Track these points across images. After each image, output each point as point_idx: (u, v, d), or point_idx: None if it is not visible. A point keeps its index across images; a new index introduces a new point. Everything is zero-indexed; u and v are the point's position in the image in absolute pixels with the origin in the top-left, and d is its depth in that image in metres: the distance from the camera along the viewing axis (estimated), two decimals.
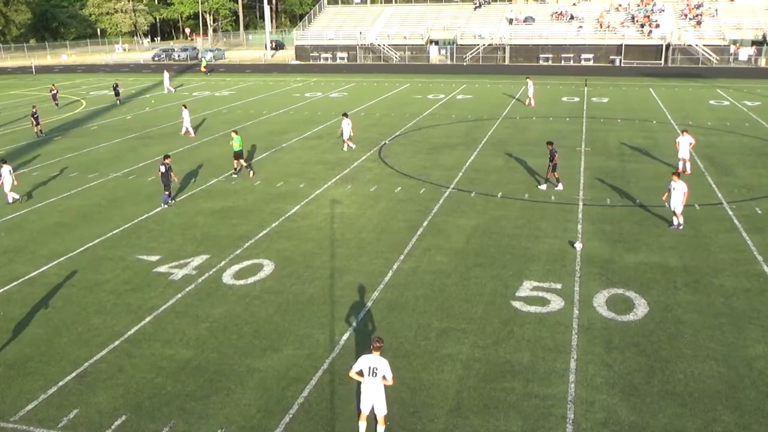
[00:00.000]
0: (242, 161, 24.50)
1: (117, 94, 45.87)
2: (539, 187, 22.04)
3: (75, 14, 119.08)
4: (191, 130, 32.65)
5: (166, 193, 20.67)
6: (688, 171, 23.41)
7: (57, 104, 43.50)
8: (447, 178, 23.59)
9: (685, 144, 23.38)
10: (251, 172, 24.40)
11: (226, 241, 17.68)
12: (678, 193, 17.34)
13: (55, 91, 43.69)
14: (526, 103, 40.92)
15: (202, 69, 67.68)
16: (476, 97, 45.10)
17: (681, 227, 17.81)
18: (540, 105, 40.92)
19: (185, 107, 33.34)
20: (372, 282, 14.91)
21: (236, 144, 24.03)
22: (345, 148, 28.42)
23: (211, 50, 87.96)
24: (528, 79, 42.47)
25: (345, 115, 29.01)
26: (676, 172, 18.17)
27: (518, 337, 12.39)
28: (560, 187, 21.85)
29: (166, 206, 20.66)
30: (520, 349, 11.95)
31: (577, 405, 10.31)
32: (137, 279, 15.34)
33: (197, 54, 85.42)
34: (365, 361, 9.22)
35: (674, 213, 17.78)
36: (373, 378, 9.18)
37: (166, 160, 20.58)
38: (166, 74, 53.82)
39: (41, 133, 33.47)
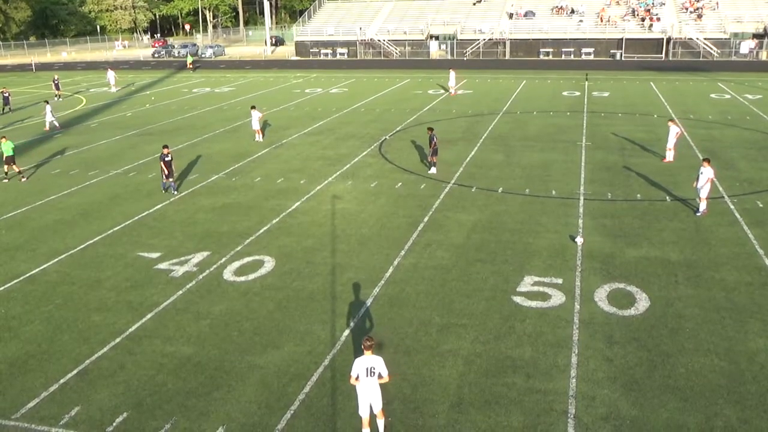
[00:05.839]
0: (14, 166, 24.12)
1: (58, 87, 46.85)
2: (429, 171, 23.44)
3: (74, 11, 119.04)
4: (48, 125, 34.14)
5: (171, 180, 21.72)
6: (670, 159, 24.59)
7: (10, 108, 40.51)
8: (447, 173, 23.55)
9: (671, 133, 24.38)
10: (23, 178, 24.15)
11: (226, 237, 17.67)
12: (703, 178, 18.12)
13: (7, 94, 40.58)
14: (450, 92, 44.04)
15: (189, 66, 67.84)
16: (476, 92, 45.03)
17: (698, 214, 18.46)
18: (540, 100, 40.86)
19: (47, 102, 35.02)
20: (373, 278, 14.89)
21: (7, 149, 23.90)
22: (257, 138, 30.10)
23: (210, 47, 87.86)
24: (450, 70, 45.59)
25: (253, 107, 30.91)
26: (706, 158, 18.82)
27: (519, 332, 12.38)
28: (433, 171, 23.41)
29: (175, 193, 21.73)
30: (521, 345, 11.94)
31: (579, 400, 10.30)
32: (138, 276, 15.34)
33: (197, 50, 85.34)
34: (362, 363, 9.08)
35: (698, 198, 18.49)
36: (371, 377, 9.10)
37: (165, 150, 21.66)
38: (110, 73, 51.31)
39: None
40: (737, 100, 39.41)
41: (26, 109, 42.20)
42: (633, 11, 70.30)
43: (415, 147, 28.00)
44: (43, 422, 10.05)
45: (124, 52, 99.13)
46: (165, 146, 21.90)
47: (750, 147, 26.98)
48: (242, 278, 15.09)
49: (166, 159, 21.48)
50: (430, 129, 23.69)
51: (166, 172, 21.53)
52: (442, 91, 46.00)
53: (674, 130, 24.20)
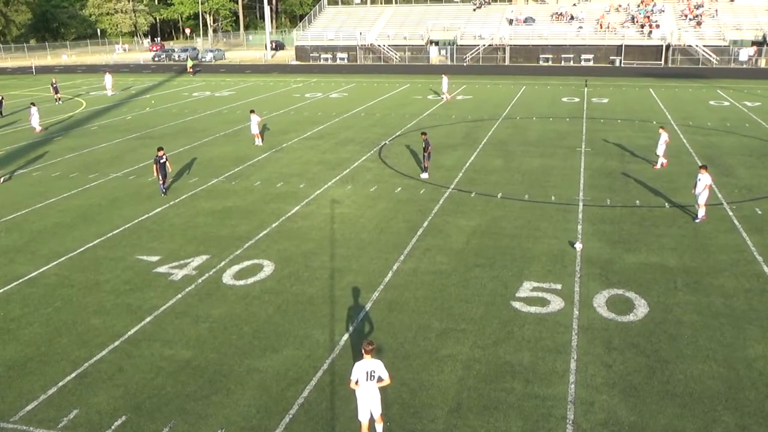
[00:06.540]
0: None
1: (57, 91, 46.29)
2: (420, 175, 23.76)
3: (75, 14, 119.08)
4: (39, 127, 34.66)
5: (166, 180, 22.18)
6: (659, 166, 24.82)
7: (1, 113, 40.18)
8: (447, 178, 23.59)
9: (660, 140, 24.43)
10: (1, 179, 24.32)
11: (226, 241, 17.68)
12: (700, 185, 18.20)
13: None
14: (442, 98, 44.15)
15: (189, 69, 68.00)
16: (476, 98, 45.12)
17: (697, 220, 18.51)
18: (540, 105, 40.94)
19: (33, 104, 35.04)
20: (372, 282, 14.90)
21: None
22: (257, 142, 30.27)
23: (211, 50, 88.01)
24: (444, 75, 45.62)
25: (252, 111, 30.99)
26: (703, 165, 18.84)
27: (518, 337, 12.39)
28: (425, 175, 23.71)
29: (164, 193, 22.12)
30: (520, 350, 11.95)
31: (577, 405, 10.31)
32: (137, 279, 15.34)
33: (197, 54, 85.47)
34: (362, 367, 9.06)
35: (697, 204, 18.55)
36: (371, 381, 9.09)
37: (160, 152, 21.80)
38: (107, 76, 51.26)
39: None
40: (736, 107, 39.51)
41: (24, 111, 42.18)
42: (632, 18, 70.53)
43: (414, 152, 28.02)
44: (42, 425, 10.04)
45: (125, 55, 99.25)
46: (160, 148, 21.95)
47: (749, 154, 27.04)
48: (241, 282, 15.09)
49: (161, 161, 21.59)
50: (424, 134, 23.86)
51: (160, 175, 21.63)
52: (441, 96, 46.06)
53: (663, 137, 24.22)
